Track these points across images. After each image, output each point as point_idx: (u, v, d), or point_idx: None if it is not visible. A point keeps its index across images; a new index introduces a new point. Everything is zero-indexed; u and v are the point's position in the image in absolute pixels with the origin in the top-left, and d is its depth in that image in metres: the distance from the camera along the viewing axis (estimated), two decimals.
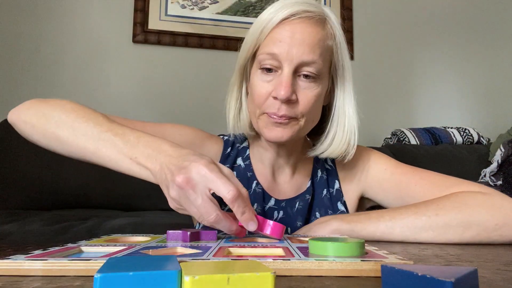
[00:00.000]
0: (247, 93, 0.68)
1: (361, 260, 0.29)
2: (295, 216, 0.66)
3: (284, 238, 0.44)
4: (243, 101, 0.68)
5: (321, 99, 0.63)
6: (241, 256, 0.33)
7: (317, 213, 0.68)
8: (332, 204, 0.68)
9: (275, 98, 0.58)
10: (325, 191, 0.69)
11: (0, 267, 0.28)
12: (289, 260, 0.29)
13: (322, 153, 0.65)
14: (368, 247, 0.36)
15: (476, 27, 2.23)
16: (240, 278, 0.17)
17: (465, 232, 0.51)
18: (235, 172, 0.69)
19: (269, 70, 0.60)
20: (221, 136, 0.74)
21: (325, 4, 2.04)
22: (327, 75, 0.63)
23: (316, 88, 0.60)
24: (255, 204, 0.66)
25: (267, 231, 0.41)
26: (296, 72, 0.59)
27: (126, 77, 1.76)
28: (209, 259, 0.29)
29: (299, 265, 0.28)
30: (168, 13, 1.83)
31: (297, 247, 0.36)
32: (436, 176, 0.62)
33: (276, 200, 0.67)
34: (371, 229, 0.53)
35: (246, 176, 0.68)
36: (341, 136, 0.64)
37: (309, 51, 0.58)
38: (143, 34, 1.78)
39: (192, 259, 0.29)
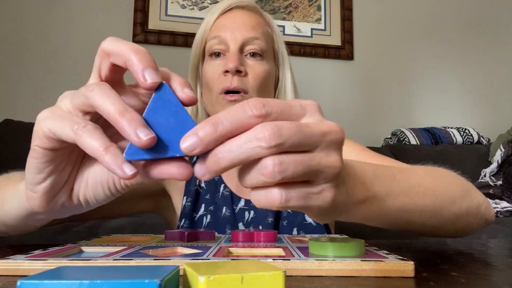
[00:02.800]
0: (202, 96, 0.70)
1: (361, 260, 0.29)
2: (266, 213, 0.64)
3: (284, 238, 0.44)
4: (199, 105, 0.71)
5: (270, 80, 0.67)
6: (241, 256, 0.33)
7: None
8: None
9: (225, 72, 0.62)
10: None
11: (0, 267, 0.28)
12: (289, 260, 0.29)
13: None
14: (368, 247, 0.36)
15: (476, 27, 2.23)
16: (253, 277, 0.17)
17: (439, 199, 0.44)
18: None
19: (217, 55, 0.65)
20: None
21: (325, 4, 2.04)
22: (273, 61, 0.69)
23: (263, 65, 0.65)
24: (224, 207, 0.65)
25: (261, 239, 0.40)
26: (242, 52, 0.65)
27: (126, 77, 1.76)
28: (209, 259, 0.29)
29: (299, 265, 0.28)
30: (168, 13, 1.83)
31: (297, 247, 0.36)
32: (402, 164, 0.57)
33: (246, 201, 0.66)
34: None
35: (213, 181, 0.68)
36: None
37: (251, 30, 0.65)
38: (143, 34, 1.78)
39: (193, 259, 0.29)
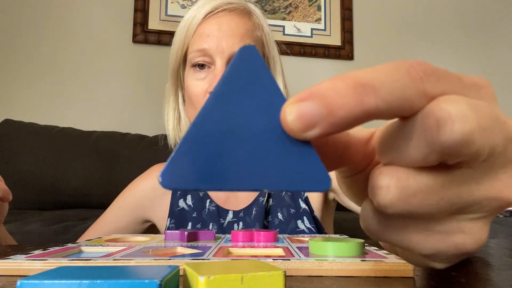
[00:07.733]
0: (184, 100, 0.66)
1: (361, 260, 0.29)
2: (253, 223, 0.63)
3: (284, 238, 0.44)
4: (181, 110, 0.66)
5: None
6: (241, 256, 0.33)
7: (279, 213, 0.64)
8: (294, 201, 0.64)
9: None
10: None
11: (0, 267, 0.28)
12: (289, 260, 0.29)
13: None
14: (368, 247, 0.36)
15: (476, 28, 2.23)
16: (253, 277, 0.17)
17: None
18: (189, 195, 0.67)
19: (201, 66, 0.59)
20: None
21: (325, 4, 2.04)
22: None
23: None
24: (211, 223, 0.63)
25: (261, 239, 0.40)
26: None
27: (126, 77, 1.76)
28: (209, 259, 0.29)
29: (299, 265, 0.28)
30: (168, 13, 1.83)
31: (297, 247, 0.36)
32: None
33: (234, 212, 0.64)
34: None
35: (198, 197, 0.66)
36: None
37: (239, 41, 0.57)
38: (143, 34, 1.78)
39: (193, 259, 0.29)
